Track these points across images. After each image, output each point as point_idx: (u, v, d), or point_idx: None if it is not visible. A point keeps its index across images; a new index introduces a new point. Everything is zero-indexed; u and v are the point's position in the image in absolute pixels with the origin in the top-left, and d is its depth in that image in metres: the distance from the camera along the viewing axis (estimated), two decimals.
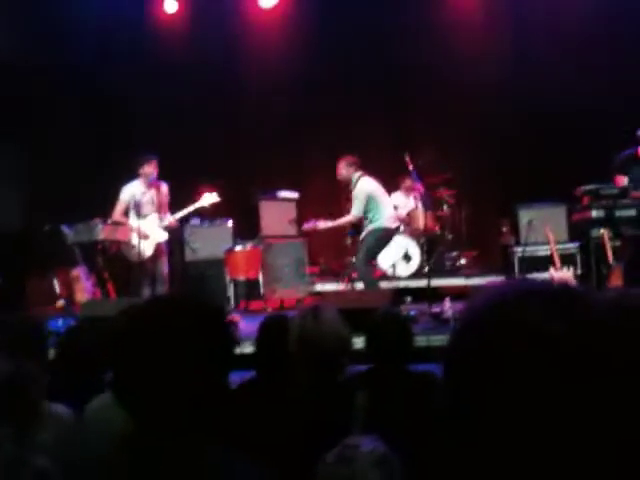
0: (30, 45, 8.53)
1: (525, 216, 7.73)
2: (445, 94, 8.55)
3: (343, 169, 6.86)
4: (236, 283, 7.73)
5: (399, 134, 7.45)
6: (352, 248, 8.42)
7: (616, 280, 5.81)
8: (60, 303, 6.87)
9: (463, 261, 8.55)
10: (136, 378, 1.42)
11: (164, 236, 6.98)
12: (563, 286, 0.77)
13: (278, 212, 8.23)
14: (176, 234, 7.45)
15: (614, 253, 5.97)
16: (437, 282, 7.38)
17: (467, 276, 8.03)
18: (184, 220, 7.44)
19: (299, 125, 8.99)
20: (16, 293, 7.54)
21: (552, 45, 8.35)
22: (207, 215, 7.72)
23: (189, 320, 1.44)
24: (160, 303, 1.50)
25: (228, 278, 7.68)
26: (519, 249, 7.66)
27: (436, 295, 6.47)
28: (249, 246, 7.63)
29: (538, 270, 7.09)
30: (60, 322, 6.36)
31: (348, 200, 7.00)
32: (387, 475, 1.64)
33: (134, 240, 6.80)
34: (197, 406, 1.43)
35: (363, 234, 6.83)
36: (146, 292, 6.74)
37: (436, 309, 5.97)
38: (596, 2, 8.33)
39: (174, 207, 7.06)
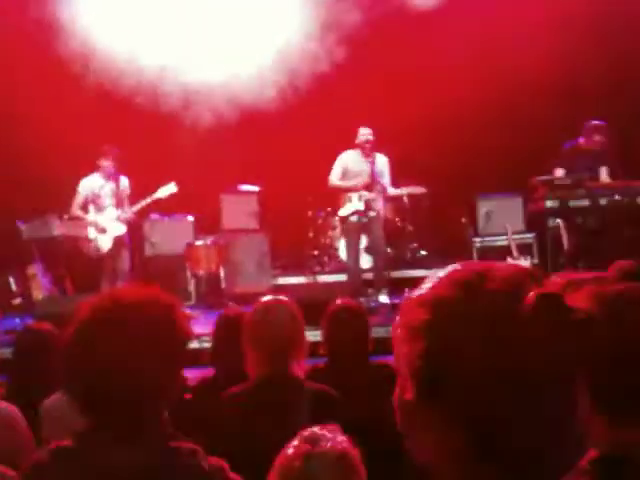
0: None
1: (483, 207, 7.86)
2: (406, 80, 8.51)
3: None
4: (197, 278, 7.67)
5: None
6: (314, 240, 8.41)
7: None
8: (16, 301, 6.73)
9: (423, 252, 8.61)
10: (89, 375, 1.42)
11: (122, 230, 6.87)
12: None
13: (239, 206, 8.18)
14: (136, 229, 7.35)
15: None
16: (398, 274, 7.43)
17: (427, 267, 8.08)
18: (144, 214, 7.34)
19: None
20: None
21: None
22: (167, 209, 7.62)
23: (142, 313, 1.44)
24: (112, 297, 1.50)
25: (189, 273, 7.63)
26: (477, 239, 7.78)
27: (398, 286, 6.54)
28: (210, 240, 7.57)
29: (496, 260, 7.20)
30: (17, 320, 6.25)
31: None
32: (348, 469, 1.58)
33: (91, 235, 6.70)
34: (152, 398, 1.43)
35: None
36: (106, 288, 6.64)
37: (397, 300, 6.04)
38: None
39: (133, 201, 6.95)
